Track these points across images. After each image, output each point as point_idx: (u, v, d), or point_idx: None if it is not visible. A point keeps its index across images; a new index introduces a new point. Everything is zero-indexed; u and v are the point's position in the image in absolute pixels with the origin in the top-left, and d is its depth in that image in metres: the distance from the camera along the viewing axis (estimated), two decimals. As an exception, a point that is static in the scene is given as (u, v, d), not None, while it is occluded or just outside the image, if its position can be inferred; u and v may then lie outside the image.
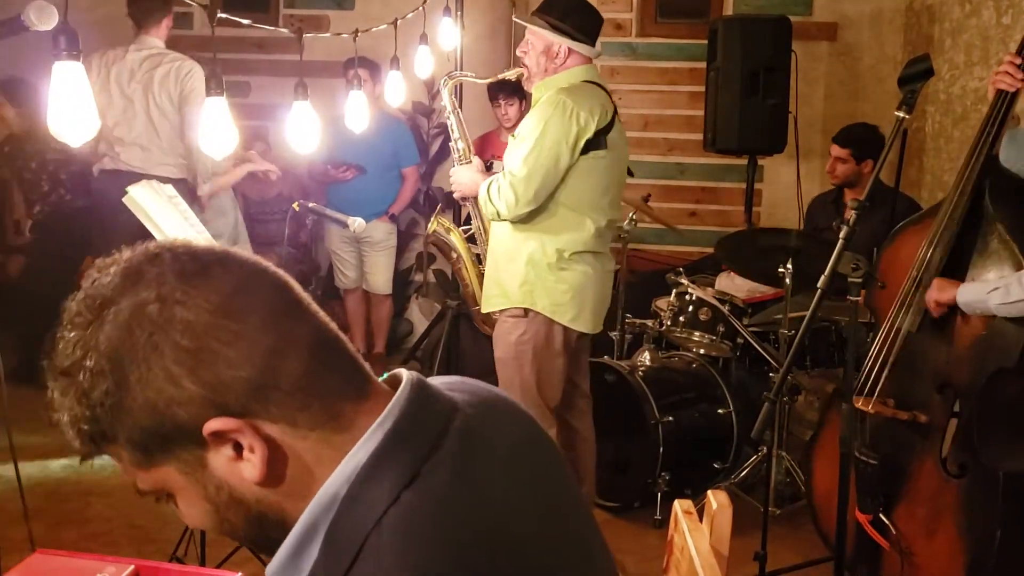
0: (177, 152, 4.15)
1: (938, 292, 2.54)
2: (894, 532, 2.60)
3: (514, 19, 3.05)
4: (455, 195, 3.20)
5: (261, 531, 0.88)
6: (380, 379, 0.94)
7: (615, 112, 2.96)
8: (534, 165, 2.82)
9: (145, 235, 3.95)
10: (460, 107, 4.60)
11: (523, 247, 2.94)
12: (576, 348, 3.09)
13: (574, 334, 3.00)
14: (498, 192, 2.87)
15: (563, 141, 2.81)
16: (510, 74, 3.17)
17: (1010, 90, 2.51)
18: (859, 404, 2.60)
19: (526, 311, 2.95)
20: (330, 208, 5.03)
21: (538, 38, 2.94)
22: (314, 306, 0.89)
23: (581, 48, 2.94)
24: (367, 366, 0.92)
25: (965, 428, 2.52)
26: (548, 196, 2.88)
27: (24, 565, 1.57)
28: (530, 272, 2.93)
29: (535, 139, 2.83)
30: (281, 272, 0.89)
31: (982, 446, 2.45)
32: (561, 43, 2.92)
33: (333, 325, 0.90)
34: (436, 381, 0.99)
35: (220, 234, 4.43)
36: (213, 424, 0.81)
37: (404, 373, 0.92)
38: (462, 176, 3.12)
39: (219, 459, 0.84)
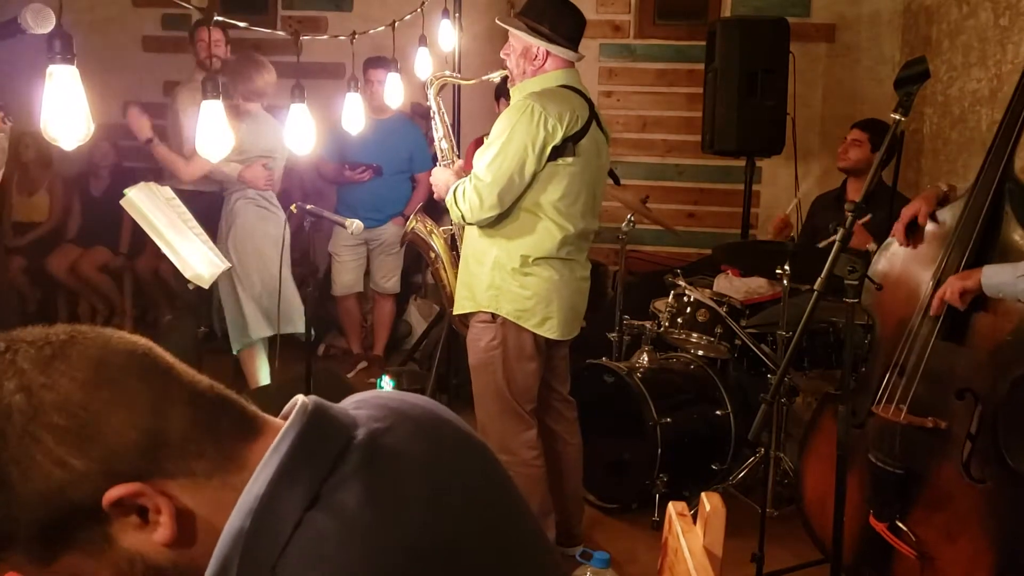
0: None
1: (962, 280, 2.47)
2: (912, 538, 2.59)
3: (496, 20, 3.01)
4: (435, 196, 3.16)
5: None
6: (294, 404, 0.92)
7: (592, 118, 2.91)
8: (499, 170, 2.79)
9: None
10: (459, 107, 4.64)
11: (489, 251, 2.92)
12: (550, 353, 3.06)
13: (544, 339, 2.96)
14: (463, 196, 2.85)
15: (529, 146, 2.77)
16: (494, 76, 3.15)
17: None
18: (888, 414, 2.58)
19: (494, 317, 2.92)
20: (341, 209, 5.06)
21: (518, 40, 2.92)
22: (180, 364, 0.88)
23: (559, 51, 2.90)
24: (253, 407, 0.91)
25: (989, 433, 2.49)
26: (514, 202, 2.85)
27: (21, 567, 1.57)
28: (495, 276, 2.91)
29: (501, 144, 2.80)
30: (139, 337, 0.88)
31: (1009, 451, 2.43)
32: (539, 45, 2.88)
33: (204, 378, 0.89)
34: (347, 401, 0.99)
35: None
36: (113, 493, 0.79)
37: (300, 399, 0.91)
38: (439, 177, 3.10)
39: (126, 531, 0.82)
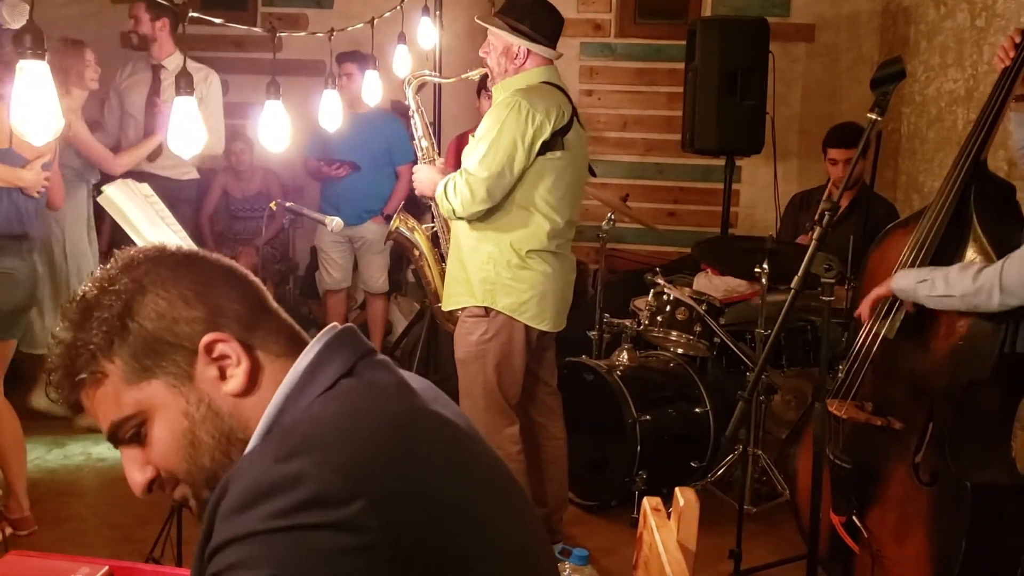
0: None
1: (879, 288, 2.50)
2: (866, 535, 2.60)
3: (476, 20, 3.08)
4: (416, 192, 3.22)
5: (225, 454, 1.02)
6: None
7: (573, 113, 2.98)
8: (490, 165, 2.84)
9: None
10: (440, 106, 4.63)
11: (483, 246, 2.97)
12: (538, 346, 3.11)
13: (535, 332, 3.02)
14: (454, 190, 2.90)
15: (519, 142, 2.84)
16: (473, 74, 3.20)
17: (999, 65, 2.45)
18: (832, 408, 2.58)
19: (487, 311, 2.97)
20: (324, 205, 5.05)
21: (498, 39, 2.98)
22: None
23: (540, 49, 2.96)
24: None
25: (938, 437, 2.48)
26: (505, 196, 2.90)
27: (-4, 566, 1.56)
28: (490, 271, 2.95)
29: (491, 139, 2.86)
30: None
31: (953, 456, 2.43)
32: (520, 44, 2.95)
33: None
34: None
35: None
36: (209, 336, 1.01)
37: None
38: (422, 174, 3.15)
39: (206, 374, 1.01)
